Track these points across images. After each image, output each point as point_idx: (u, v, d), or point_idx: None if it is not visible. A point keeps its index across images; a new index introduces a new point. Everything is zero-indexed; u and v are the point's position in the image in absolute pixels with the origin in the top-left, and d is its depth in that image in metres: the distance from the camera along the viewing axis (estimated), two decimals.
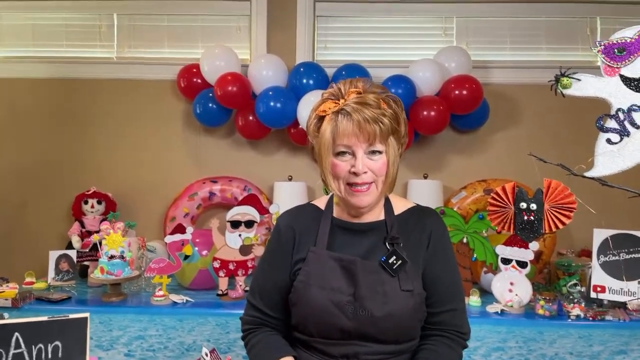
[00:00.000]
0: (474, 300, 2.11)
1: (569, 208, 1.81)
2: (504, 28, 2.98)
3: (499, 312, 1.98)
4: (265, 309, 1.25)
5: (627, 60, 1.33)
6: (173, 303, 2.11)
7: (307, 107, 2.57)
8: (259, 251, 2.24)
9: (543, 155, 1.53)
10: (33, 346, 1.01)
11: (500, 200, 1.95)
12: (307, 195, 2.80)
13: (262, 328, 1.26)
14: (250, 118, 2.76)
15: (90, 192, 2.75)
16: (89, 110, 3.02)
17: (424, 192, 2.70)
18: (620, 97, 1.35)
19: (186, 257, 2.26)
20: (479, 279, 2.33)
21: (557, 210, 1.84)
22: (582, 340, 1.90)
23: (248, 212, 2.21)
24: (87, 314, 1.04)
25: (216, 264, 2.19)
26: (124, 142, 3.01)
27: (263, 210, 2.27)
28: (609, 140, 1.36)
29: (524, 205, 1.90)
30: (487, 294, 2.18)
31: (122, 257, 2.16)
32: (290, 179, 2.87)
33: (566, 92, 1.36)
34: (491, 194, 1.98)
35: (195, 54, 2.92)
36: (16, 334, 0.99)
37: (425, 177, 2.82)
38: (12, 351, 0.99)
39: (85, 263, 2.55)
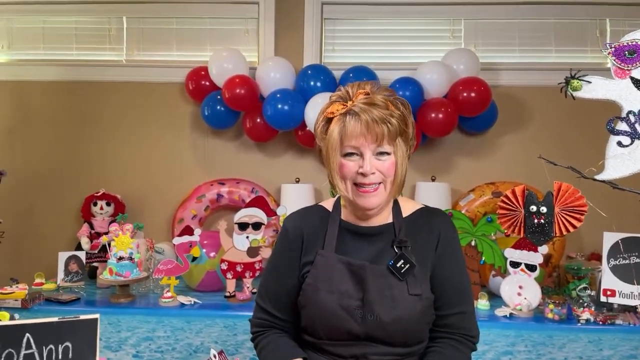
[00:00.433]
0: (482, 303, 2.10)
1: (580, 211, 1.80)
2: (512, 30, 2.97)
3: (508, 315, 1.97)
4: (274, 311, 1.25)
5: (637, 63, 1.32)
6: (181, 304, 2.12)
7: (314, 109, 2.58)
8: (266, 253, 2.24)
9: (552, 158, 1.53)
10: (44, 347, 1.01)
11: (510, 203, 1.93)
12: (314, 197, 2.80)
13: (271, 330, 1.26)
14: (258, 120, 2.76)
15: (99, 194, 2.77)
16: (98, 113, 3.04)
17: (431, 195, 2.69)
18: (631, 99, 1.33)
19: (194, 258, 2.27)
20: (487, 282, 2.32)
21: (568, 213, 1.82)
22: (592, 345, 1.89)
23: (255, 214, 2.22)
24: (97, 315, 1.05)
25: (224, 266, 2.20)
26: (133, 144, 3.03)
27: (270, 212, 2.28)
28: (619, 143, 1.35)
29: (534, 208, 1.88)
30: (495, 298, 2.17)
31: (130, 259, 2.17)
32: (297, 181, 2.88)
33: (576, 94, 1.35)
34: (500, 196, 1.97)
35: (204, 56, 2.94)
36: (27, 334, 1.00)
37: (433, 180, 2.81)
38: (23, 352, 1.00)
39: (94, 264, 2.56)
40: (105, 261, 2.31)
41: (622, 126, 1.34)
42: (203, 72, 2.83)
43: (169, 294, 2.13)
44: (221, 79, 2.73)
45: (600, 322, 1.89)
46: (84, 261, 2.47)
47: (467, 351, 1.19)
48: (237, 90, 2.64)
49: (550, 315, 1.95)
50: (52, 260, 2.45)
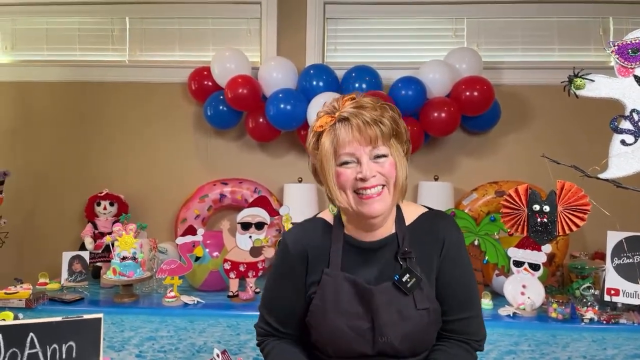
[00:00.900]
0: (485, 303, 2.09)
1: (583, 210, 1.79)
2: (515, 28, 2.96)
3: (511, 315, 1.97)
4: (279, 326, 1.24)
5: None
6: (184, 304, 2.12)
7: (317, 109, 2.56)
8: (269, 253, 2.24)
9: (555, 156, 1.52)
10: (47, 346, 1.02)
11: (514, 203, 1.93)
12: (317, 197, 2.80)
13: (275, 338, 1.26)
14: (261, 120, 2.77)
15: (102, 194, 2.78)
16: (102, 113, 3.05)
17: (434, 194, 2.68)
18: (634, 97, 1.33)
19: (197, 258, 2.27)
20: (490, 282, 2.32)
21: (571, 212, 1.82)
22: (595, 344, 1.88)
23: (258, 213, 2.22)
24: (100, 315, 1.05)
25: (227, 266, 2.20)
26: (136, 144, 3.04)
27: (273, 212, 2.28)
28: (623, 142, 1.35)
29: (537, 207, 1.88)
30: (499, 297, 2.17)
31: (134, 259, 2.17)
32: (300, 181, 2.88)
33: (579, 93, 1.35)
34: (503, 196, 1.97)
35: (206, 57, 2.94)
36: (31, 334, 1.01)
37: (436, 179, 2.80)
38: (27, 351, 1.00)
39: (98, 264, 2.57)
40: (109, 261, 2.32)
41: (626, 125, 1.34)
42: (205, 72, 2.83)
43: (173, 294, 2.13)
44: (224, 79, 2.74)
45: (604, 322, 1.89)
46: (88, 261, 2.48)
47: (472, 352, 1.18)
48: (240, 90, 2.64)
49: (553, 315, 1.94)
50: (56, 260, 2.46)
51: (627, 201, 1.94)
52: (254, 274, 2.23)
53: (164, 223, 3.00)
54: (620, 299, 1.96)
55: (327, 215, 1.24)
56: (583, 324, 1.89)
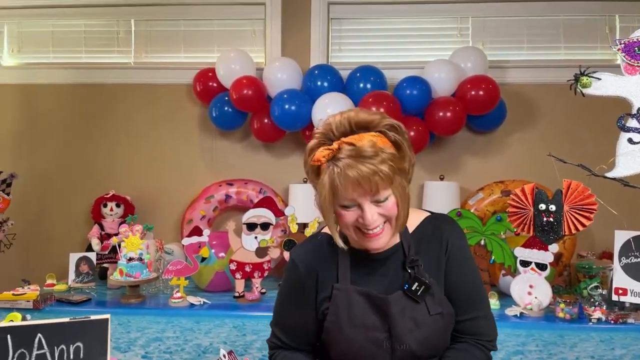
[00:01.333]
0: (492, 303, 2.08)
1: (589, 209, 1.78)
2: (520, 27, 2.94)
3: (518, 315, 1.96)
4: (292, 343, 1.23)
5: None
6: (190, 305, 2.13)
7: (321, 109, 2.58)
8: (274, 253, 2.24)
9: (562, 156, 1.52)
10: (55, 347, 1.02)
11: (520, 202, 1.92)
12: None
13: (287, 350, 1.25)
14: (266, 121, 2.77)
15: (109, 196, 2.79)
16: (107, 115, 3.07)
17: (440, 194, 2.68)
18: None
19: (203, 259, 2.28)
20: (497, 282, 2.30)
21: (577, 211, 1.81)
22: (603, 344, 1.87)
23: (264, 214, 2.22)
24: (107, 315, 1.06)
25: (233, 266, 2.20)
26: (142, 146, 3.06)
27: (279, 213, 2.28)
28: (630, 140, 1.34)
29: (543, 206, 1.87)
30: (505, 297, 2.16)
31: (140, 260, 2.18)
32: (305, 181, 2.88)
33: (586, 91, 1.34)
34: (510, 195, 1.96)
35: (211, 58, 2.95)
36: (39, 335, 1.01)
37: (442, 179, 2.80)
38: (35, 352, 1.01)
39: (105, 265, 2.59)
40: (116, 262, 2.33)
41: (633, 123, 1.33)
42: (210, 74, 2.84)
43: (179, 295, 2.14)
44: (228, 80, 2.74)
45: (612, 321, 1.87)
46: (95, 262, 2.50)
47: (487, 352, 1.18)
48: (245, 91, 2.65)
49: (561, 315, 1.93)
50: (63, 261, 2.48)
51: (634, 200, 1.93)
52: (260, 275, 2.23)
53: (170, 224, 3.01)
54: (628, 299, 1.94)
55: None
56: (591, 323, 1.88)
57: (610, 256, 2.39)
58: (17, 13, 3.11)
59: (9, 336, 0.99)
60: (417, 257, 1.14)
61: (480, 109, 2.64)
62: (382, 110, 2.41)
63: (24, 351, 1.00)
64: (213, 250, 2.32)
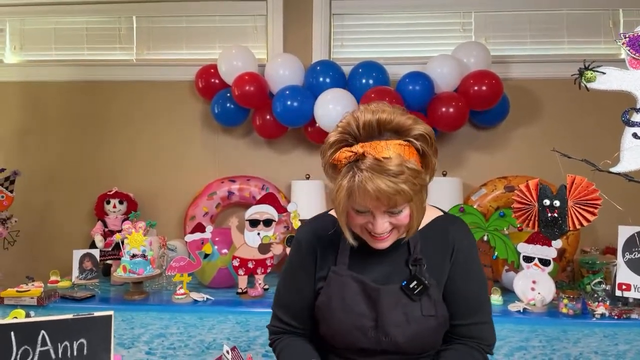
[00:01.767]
0: (495, 298, 2.08)
1: (594, 204, 1.77)
2: (523, 22, 2.93)
3: (521, 310, 1.96)
4: (291, 320, 1.24)
5: None
6: (194, 301, 2.13)
7: (324, 105, 2.57)
8: (277, 250, 2.25)
9: (565, 151, 1.51)
10: (59, 344, 1.02)
11: (525, 198, 1.91)
12: (324, 194, 2.80)
13: (288, 335, 1.26)
14: (268, 117, 2.76)
15: (112, 192, 2.80)
16: (110, 112, 3.07)
17: (443, 190, 2.67)
18: None
19: (206, 255, 2.28)
20: (500, 278, 2.30)
21: (581, 206, 1.80)
22: (607, 340, 1.86)
23: (266, 210, 2.22)
24: (111, 312, 1.06)
25: (235, 263, 2.21)
26: (144, 142, 3.06)
27: (281, 209, 2.28)
28: (635, 135, 1.33)
29: (547, 202, 1.86)
30: (508, 293, 2.16)
31: (143, 256, 2.19)
32: (307, 178, 2.88)
33: (590, 85, 1.33)
34: (513, 191, 1.95)
35: (213, 54, 2.94)
36: (42, 331, 1.01)
37: (444, 175, 2.79)
38: (38, 349, 1.01)
39: (108, 262, 2.60)
40: (119, 259, 2.34)
41: (638, 117, 1.32)
42: (212, 70, 2.83)
43: (182, 291, 2.15)
44: (230, 76, 2.74)
45: (616, 317, 1.87)
46: (98, 259, 2.50)
47: (484, 354, 1.18)
48: (247, 88, 2.64)
49: (564, 310, 1.93)
50: (67, 258, 2.49)
51: (639, 195, 1.92)
52: (263, 271, 2.23)
53: (172, 221, 3.01)
54: (631, 294, 1.94)
55: None
56: (594, 319, 1.88)
57: (613, 252, 2.38)
58: (19, 10, 3.10)
59: (12, 333, 0.99)
60: (421, 257, 1.14)
61: (483, 104, 2.63)
62: (383, 102, 2.40)
63: (28, 348, 1.00)
64: (216, 247, 2.32)
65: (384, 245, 1.09)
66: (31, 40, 3.14)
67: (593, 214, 1.78)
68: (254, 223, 2.21)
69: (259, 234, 2.21)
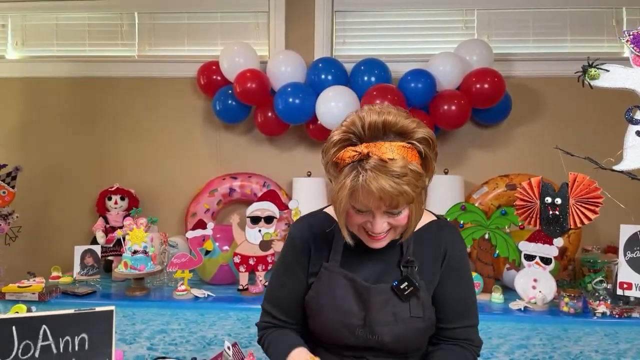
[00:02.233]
0: (496, 297, 2.08)
1: (595, 203, 1.77)
2: (526, 20, 2.92)
3: (522, 309, 1.95)
4: (282, 316, 1.25)
5: None
6: (195, 297, 2.13)
7: (325, 102, 2.57)
8: (278, 247, 2.24)
9: (568, 149, 1.50)
10: (60, 338, 1.03)
11: (527, 195, 1.91)
12: (325, 191, 2.80)
13: (277, 328, 1.26)
14: (269, 114, 2.76)
15: (113, 189, 2.80)
16: (111, 108, 3.07)
17: (444, 188, 2.66)
18: None
19: (207, 252, 2.28)
20: (501, 276, 2.30)
21: (583, 204, 1.79)
22: (607, 338, 1.86)
23: (267, 207, 2.22)
24: (112, 307, 1.06)
25: (237, 259, 2.21)
26: (146, 139, 3.06)
27: (282, 206, 2.28)
28: (638, 133, 1.32)
29: (549, 199, 1.86)
30: (509, 291, 2.15)
31: (145, 252, 2.19)
32: (309, 175, 2.87)
33: (594, 83, 1.33)
34: (515, 189, 1.95)
35: (215, 51, 2.94)
36: (44, 326, 1.02)
37: (446, 173, 2.79)
38: (40, 343, 1.01)
39: (110, 258, 2.60)
40: (120, 255, 2.34)
41: None
42: (214, 67, 2.83)
43: (183, 287, 2.15)
44: (232, 73, 2.73)
45: (617, 316, 1.87)
46: (100, 255, 2.50)
47: (473, 355, 1.19)
48: (248, 85, 2.64)
49: (565, 309, 1.93)
50: (68, 254, 2.49)
51: None
52: (264, 268, 2.23)
53: (174, 217, 3.01)
54: (633, 293, 1.93)
55: (332, 209, 1.22)
56: (595, 318, 1.88)
57: (615, 250, 2.38)
58: (21, 6, 3.10)
59: (14, 327, 0.99)
60: (413, 259, 1.15)
61: (486, 102, 2.62)
62: (386, 103, 2.40)
63: (29, 342, 1.00)
64: (217, 244, 2.32)
65: (380, 245, 1.10)
66: (33, 37, 3.14)
67: (594, 212, 1.77)
68: (255, 220, 2.21)
69: (260, 231, 2.21)
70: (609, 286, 2.08)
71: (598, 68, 1.31)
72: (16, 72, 3.10)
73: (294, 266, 1.22)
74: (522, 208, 1.93)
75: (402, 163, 0.96)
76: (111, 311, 1.06)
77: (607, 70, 1.31)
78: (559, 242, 1.91)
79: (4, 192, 2.70)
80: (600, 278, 2.11)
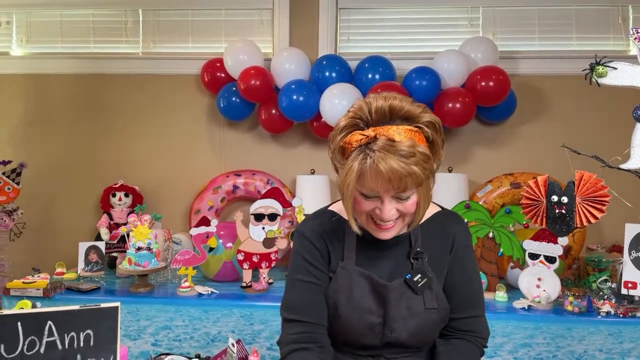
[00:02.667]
0: (500, 295, 2.08)
1: (602, 201, 1.76)
2: (532, 17, 2.90)
3: (526, 307, 1.95)
4: (312, 319, 1.12)
5: None
6: (198, 294, 2.14)
7: (329, 100, 2.56)
8: (282, 244, 2.25)
9: (573, 148, 1.49)
10: (65, 334, 1.03)
11: (533, 194, 1.90)
12: (329, 189, 2.80)
13: (307, 348, 1.10)
14: (273, 112, 2.76)
15: (117, 186, 2.80)
16: (116, 105, 3.07)
17: (448, 186, 2.66)
18: None
19: (211, 249, 2.28)
20: (505, 274, 2.30)
21: (589, 203, 1.78)
22: (612, 338, 1.86)
23: (271, 205, 2.22)
24: (117, 303, 1.06)
25: (240, 257, 2.21)
26: (150, 136, 3.06)
27: (286, 204, 2.28)
28: None
29: (555, 198, 1.85)
30: (513, 290, 2.15)
31: (149, 249, 2.19)
32: (312, 173, 2.87)
33: (601, 81, 1.31)
34: (519, 188, 1.95)
35: (219, 48, 2.94)
36: (49, 322, 1.02)
37: (450, 171, 2.78)
38: (45, 339, 1.02)
39: (114, 254, 2.61)
40: (124, 251, 2.35)
41: None
42: (218, 64, 2.83)
43: (187, 284, 2.15)
44: (236, 70, 2.73)
45: (621, 315, 1.86)
46: (104, 251, 2.51)
47: (480, 347, 1.19)
48: (252, 82, 2.64)
49: (569, 308, 1.92)
50: (73, 250, 2.50)
51: None
52: (267, 265, 2.24)
53: (178, 214, 3.02)
54: (637, 292, 1.93)
55: (338, 207, 1.22)
56: (599, 317, 1.87)
57: (620, 250, 2.37)
58: (25, 3, 3.10)
59: (19, 323, 0.99)
60: (423, 250, 1.15)
61: (490, 100, 2.61)
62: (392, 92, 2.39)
63: (34, 338, 1.00)
64: (221, 241, 2.33)
65: (388, 235, 1.08)
66: (37, 33, 3.14)
67: (601, 211, 1.76)
68: (258, 217, 2.21)
69: (263, 228, 2.21)
70: (614, 285, 2.07)
71: (605, 66, 1.30)
72: (21, 68, 3.11)
73: (314, 264, 1.16)
74: (528, 206, 1.92)
75: (410, 143, 0.96)
76: (116, 307, 1.06)
77: (615, 68, 1.30)
78: (563, 241, 1.90)
79: (8, 189, 2.72)
80: (604, 277, 2.10)
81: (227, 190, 2.87)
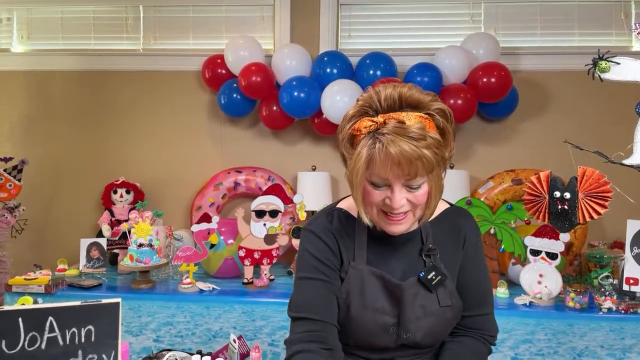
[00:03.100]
0: (501, 292, 2.08)
1: (605, 197, 1.75)
2: (534, 13, 2.89)
3: (528, 304, 1.95)
4: (321, 317, 1.08)
5: None
6: (200, 291, 2.14)
7: (330, 96, 2.56)
8: (283, 240, 2.25)
9: (576, 144, 1.48)
10: (66, 330, 1.03)
11: (535, 189, 1.90)
12: (330, 185, 2.79)
13: (313, 350, 1.04)
14: (274, 108, 2.75)
15: (119, 182, 2.80)
16: (117, 102, 3.07)
17: (450, 182, 2.61)
18: None
19: (212, 245, 2.29)
20: (506, 271, 2.29)
21: (592, 199, 1.78)
22: (613, 334, 1.86)
23: (272, 201, 2.22)
24: (119, 299, 1.06)
25: (241, 253, 2.21)
26: (151, 132, 3.06)
27: (287, 200, 2.28)
28: None
29: (557, 194, 1.84)
30: (514, 286, 2.15)
31: (150, 245, 2.20)
32: (314, 169, 2.87)
33: (604, 76, 1.30)
34: (520, 184, 1.94)
35: (220, 44, 2.93)
36: (50, 318, 1.02)
37: (452, 167, 2.77)
38: (46, 335, 1.02)
39: (115, 251, 2.61)
40: (126, 248, 2.35)
41: None
42: (219, 60, 2.82)
43: (188, 280, 2.16)
44: (237, 66, 2.73)
45: (623, 311, 1.86)
46: (105, 248, 2.52)
47: (487, 345, 1.18)
48: (253, 78, 2.63)
49: (571, 304, 1.92)
50: (74, 246, 2.51)
51: None
52: (269, 262, 2.24)
53: (179, 211, 3.02)
54: (639, 289, 1.93)
55: (346, 204, 1.19)
56: (601, 313, 1.87)
57: (621, 246, 2.37)
58: None
59: (20, 319, 0.99)
60: (435, 247, 1.13)
61: (492, 96, 2.60)
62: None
63: (36, 334, 1.00)
64: (222, 237, 2.33)
65: (399, 228, 1.04)
66: (38, 30, 3.14)
67: (604, 206, 1.75)
68: (260, 214, 2.21)
69: (264, 224, 2.21)
70: (615, 282, 2.07)
71: (608, 60, 1.29)
72: (21, 65, 3.11)
73: (323, 261, 1.11)
74: (530, 202, 1.91)
75: (421, 126, 0.94)
76: (117, 303, 1.06)
77: (618, 63, 1.29)
78: (565, 237, 1.90)
79: (10, 185, 2.72)
80: (606, 273, 2.10)
81: (228, 187, 2.87)
